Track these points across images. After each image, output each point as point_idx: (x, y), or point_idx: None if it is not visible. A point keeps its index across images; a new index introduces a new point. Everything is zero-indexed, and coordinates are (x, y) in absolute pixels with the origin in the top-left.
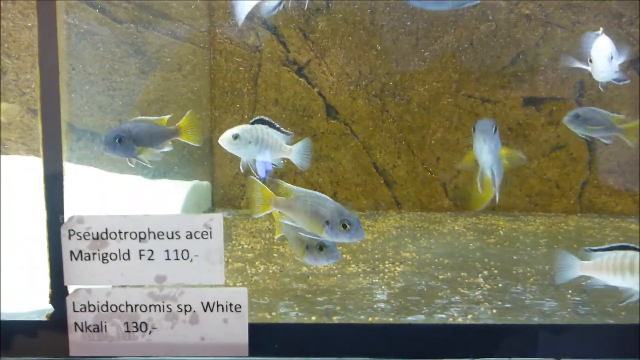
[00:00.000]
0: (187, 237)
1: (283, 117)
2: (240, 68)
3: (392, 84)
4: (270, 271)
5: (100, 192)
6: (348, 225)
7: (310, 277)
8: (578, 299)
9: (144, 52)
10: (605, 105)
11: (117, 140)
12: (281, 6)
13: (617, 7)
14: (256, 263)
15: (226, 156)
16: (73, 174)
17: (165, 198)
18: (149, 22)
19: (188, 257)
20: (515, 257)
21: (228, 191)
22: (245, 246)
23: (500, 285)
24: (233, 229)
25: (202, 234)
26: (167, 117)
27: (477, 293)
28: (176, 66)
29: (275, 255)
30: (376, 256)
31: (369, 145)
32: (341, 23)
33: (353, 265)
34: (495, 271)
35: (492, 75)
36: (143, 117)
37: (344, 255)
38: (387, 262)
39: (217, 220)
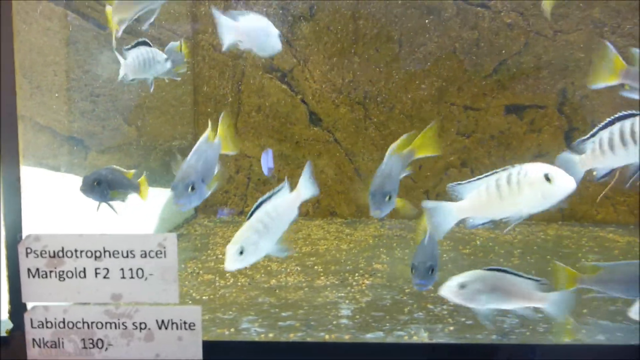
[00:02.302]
0: (141, 256)
1: (266, 124)
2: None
3: (375, 92)
4: (239, 283)
5: (80, 199)
6: None
7: (277, 290)
8: (540, 315)
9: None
10: (586, 114)
11: (95, 184)
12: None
13: (599, 16)
14: (227, 275)
15: None
16: (54, 182)
17: (144, 206)
18: (131, 29)
19: (143, 275)
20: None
21: (211, 197)
22: (220, 256)
23: None
24: (212, 237)
25: (156, 253)
26: (132, 171)
27: (441, 308)
28: None
29: (247, 266)
30: (348, 267)
31: (352, 152)
32: (324, 30)
33: (322, 278)
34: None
35: (475, 83)
36: (115, 167)
37: (315, 267)
38: (357, 274)
39: (170, 239)
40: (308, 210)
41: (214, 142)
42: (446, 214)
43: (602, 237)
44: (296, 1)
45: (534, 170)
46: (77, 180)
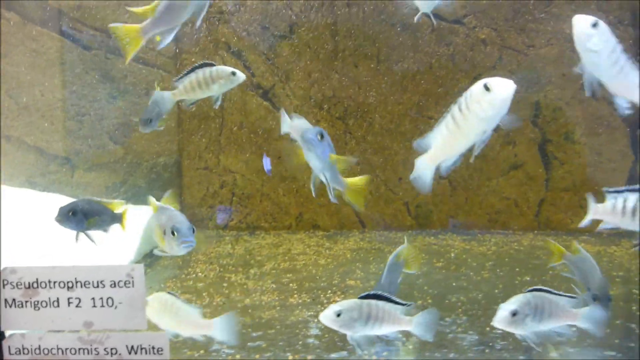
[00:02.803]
0: (111, 286)
1: (249, 140)
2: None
3: (354, 107)
4: (214, 303)
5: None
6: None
7: (250, 310)
8: (499, 331)
9: (112, 78)
10: (559, 126)
11: (69, 214)
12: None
13: (569, 31)
14: (204, 294)
15: (194, 178)
16: (41, 201)
17: (128, 224)
18: (116, 49)
19: (113, 304)
20: (454, 284)
21: (197, 212)
22: (200, 274)
23: None
24: (194, 254)
25: (125, 283)
26: (117, 201)
27: None
28: (143, 91)
29: (224, 284)
30: (322, 284)
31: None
32: (304, 48)
33: (296, 296)
34: (430, 301)
35: (452, 97)
36: (97, 198)
37: (290, 285)
38: (329, 291)
39: (138, 270)
40: (291, 224)
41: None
42: (421, 169)
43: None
44: (277, 20)
45: (475, 87)
46: (62, 200)
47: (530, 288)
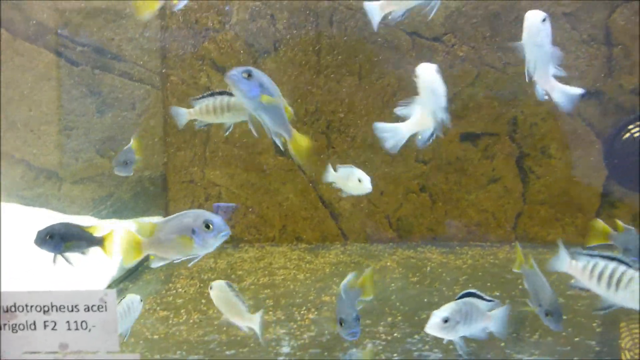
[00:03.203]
0: (85, 310)
1: (234, 154)
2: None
3: (337, 122)
4: (191, 321)
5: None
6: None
7: (225, 328)
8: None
9: (99, 92)
10: (536, 141)
11: (47, 237)
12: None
13: None
14: (182, 311)
15: (180, 191)
16: (27, 216)
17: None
18: (104, 64)
19: (87, 327)
20: (426, 300)
21: None
22: (180, 290)
23: (398, 334)
24: (177, 268)
25: (98, 307)
26: (96, 225)
27: (374, 344)
28: (130, 105)
29: (203, 301)
30: (298, 301)
31: (315, 179)
32: (288, 64)
33: (271, 313)
34: (399, 318)
35: None
36: (73, 223)
37: (267, 301)
38: (304, 307)
39: (111, 295)
40: (275, 236)
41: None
42: (397, 133)
43: (547, 259)
44: (261, 37)
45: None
46: (50, 215)
47: (461, 293)
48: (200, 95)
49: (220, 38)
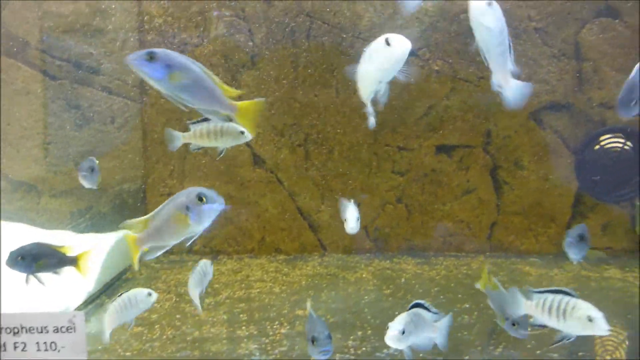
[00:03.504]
0: (54, 332)
1: (213, 167)
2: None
3: (315, 134)
4: (164, 337)
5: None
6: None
7: (197, 343)
8: None
9: (77, 106)
10: (509, 153)
11: (18, 258)
12: None
13: (517, 63)
14: (156, 327)
15: (159, 204)
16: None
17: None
18: (82, 78)
19: (56, 348)
20: (397, 313)
21: None
22: (156, 304)
23: (367, 348)
24: (154, 282)
25: (67, 329)
26: (68, 246)
27: (349, 356)
28: (109, 119)
29: (178, 316)
30: (271, 315)
31: (294, 191)
32: (266, 78)
33: (244, 328)
34: (370, 332)
35: (407, 125)
36: (46, 242)
37: (241, 315)
38: (277, 322)
39: (79, 317)
40: (254, 247)
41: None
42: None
43: (519, 269)
44: (239, 52)
45: (377, 40)
46: (28, 230)
47: (411, 304)
48: (197, 120)
49: (199, 52)
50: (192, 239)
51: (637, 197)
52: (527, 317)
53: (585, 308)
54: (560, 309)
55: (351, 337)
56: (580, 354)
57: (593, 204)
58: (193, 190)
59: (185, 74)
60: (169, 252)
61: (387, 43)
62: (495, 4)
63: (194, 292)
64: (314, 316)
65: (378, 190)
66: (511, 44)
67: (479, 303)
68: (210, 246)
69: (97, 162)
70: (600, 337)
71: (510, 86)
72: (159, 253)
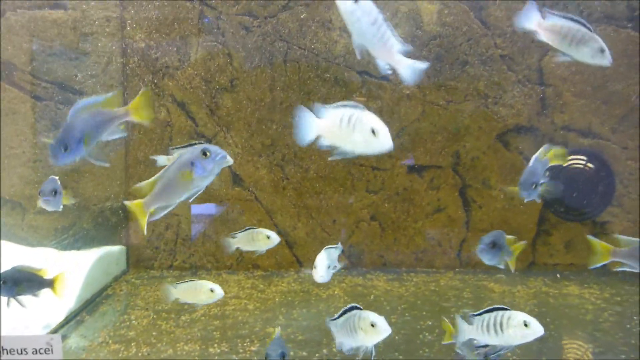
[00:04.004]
0: (33, 353)
1: None
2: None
3: (291, 154)
4: (140, 354)
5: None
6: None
7: None
8: None
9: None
10: (477, 173)
11: (1, 283)
12: None
13: (484, 88)
14: (132, 344)
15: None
16: None
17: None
18: (67, 99)
19: None
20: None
21: (142, 254)
22: (133, 322)
23: None
24: (133, 298)
25: (45, 350)
26: (45, 269)
27: None
28: None
29: (154, 333)
30: (243, 332)
31: (272, 209)
32: (245, 100)
33: (216, 346)
34: (335, 349)
35: None
36: (24, 266)
37: (214, 332)
38: (248, 339)
39: (56, 339)
40: (232, 264)
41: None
42: (308, 125)
43: (484, 286)
44: (218, 74)
45: (366, 120)
46: (12, 247)
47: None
48: (180, 146)
49: (180, 75)
50: (196, 195)
51: (598, 215)
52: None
53: (520, 316)
54: (497, 324)
55: (317, 355)
56: None
57: (556, 222)
58: (197, 147)
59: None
60: (150, 267)
61: (373, 132)
62: None
63: None
64: (276, 336)
65: (352, 208)
66: (392, 28)
67: (443, 317)
68: (190, 262)
69: (59, 181)
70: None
71: (403, 65)
72: (164, 213)
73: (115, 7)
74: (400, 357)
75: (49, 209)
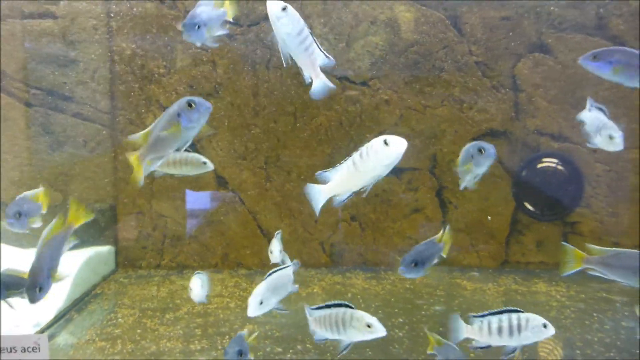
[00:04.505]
0: (21, 351)
1: (180, 187)
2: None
3: (274, 158)
4: (125, 351)
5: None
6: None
7: (153, 357)
8: None
9: (52, 131)
10: (453, 175)
11: None
12: None
13: (459, 94)
14: (118, 341)
15: (128, 222)
16: None
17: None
18: (56, 106)
19: None
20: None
21: (130, 253)
22: (120, 320)
23: None
24: (121, 297)
25: (33, 349)
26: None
27: None
28: (82, 143)
29: (139, 331)
30: (223, 330)
31: (255, 210)
32: (228, 105)
33: (197, 342)
34: (309, 345)
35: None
36: (11, 270)
37: (196, 330)
38: (227, 336)
39: (43, 339)
40: (217, 262)
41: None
42: (317, 194)
43: (457, 283)
44: (203, 80)
45: (376, 140)
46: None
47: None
48: None
49: (166, 81)
50: (186, 144)
51: (568, 215)
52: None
53: (533, 317)
54: (512, 326)
55: (291, 351)
56: None
57: (529, 222)
58: (183, 99)
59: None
60: (138, 267)
61: (386, 143)
62: (290, 8)
63: None
64: (238, 335)
65: (334, 209)
66: (316, 40)
67: (412, 317)
68: (176, 261)
69: (42, 197)
70: None
71: (318, 79)
72: (159, 164)
73: (104, 15)
74: (370, 352)
75: (14, 230)
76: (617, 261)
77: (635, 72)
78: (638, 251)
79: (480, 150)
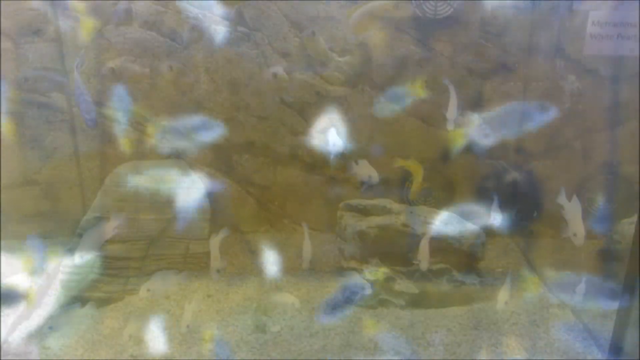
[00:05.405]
0: (13, 356)
1: None
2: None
3: (257, 166)
4: (106, 356)
5: None
6: None
7: None
8: None
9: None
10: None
11: None
12: None
13: (427, 112)
14: (102, 346)
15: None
16: None
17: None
18: (46, 118)
19: None
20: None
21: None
22: (105, 325)
23: None
24: (106, 303)
25: (23, 353)
26: (18, 282)
27: None
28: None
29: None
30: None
31: (235, 216)
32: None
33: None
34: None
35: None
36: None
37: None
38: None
39: (33, 344)
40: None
41: None
42: None
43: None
44: (189, 91)
45: None
46: None
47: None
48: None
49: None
50: None
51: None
52: None
53: None
54: None
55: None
56: None
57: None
58: None
59: None
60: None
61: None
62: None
63: None
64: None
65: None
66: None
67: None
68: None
69: None
70: None
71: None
72: None
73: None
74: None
75: None
76: None
77: None
78: None
79: None
